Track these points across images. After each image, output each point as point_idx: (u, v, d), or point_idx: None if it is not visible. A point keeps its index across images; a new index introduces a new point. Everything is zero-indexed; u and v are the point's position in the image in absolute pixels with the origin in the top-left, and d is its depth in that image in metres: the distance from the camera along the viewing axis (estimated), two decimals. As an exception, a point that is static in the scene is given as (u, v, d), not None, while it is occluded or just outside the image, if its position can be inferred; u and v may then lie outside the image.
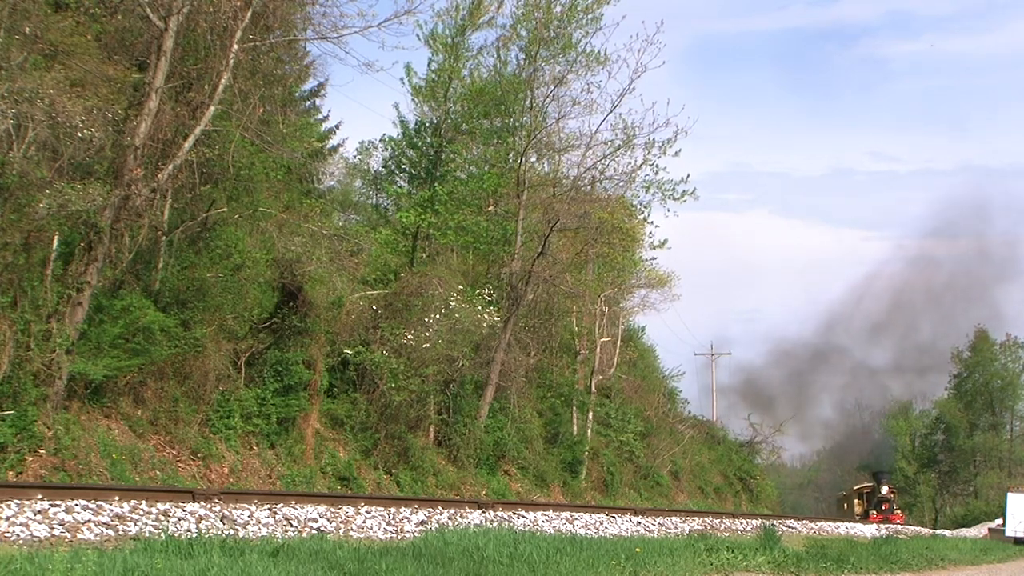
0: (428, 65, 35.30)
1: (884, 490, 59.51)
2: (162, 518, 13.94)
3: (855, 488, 63.62)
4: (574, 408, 37.89)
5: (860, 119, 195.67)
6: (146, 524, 13.52)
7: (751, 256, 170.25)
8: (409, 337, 26.41)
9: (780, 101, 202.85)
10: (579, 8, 32.96)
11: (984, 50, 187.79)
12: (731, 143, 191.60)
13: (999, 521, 51.23)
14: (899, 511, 60.39)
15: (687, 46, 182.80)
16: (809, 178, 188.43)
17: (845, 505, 63.71)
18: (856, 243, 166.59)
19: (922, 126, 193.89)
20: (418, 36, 33.62)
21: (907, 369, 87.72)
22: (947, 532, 51.56)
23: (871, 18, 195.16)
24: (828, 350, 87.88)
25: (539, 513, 22.51)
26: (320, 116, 38.03)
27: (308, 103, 36.65)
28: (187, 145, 19.52)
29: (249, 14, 20.06)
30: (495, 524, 18.79)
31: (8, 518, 12.39)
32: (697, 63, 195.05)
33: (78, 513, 13.23)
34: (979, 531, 53.29)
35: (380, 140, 40.07)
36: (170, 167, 19.46)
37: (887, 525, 47.58)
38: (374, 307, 27.38)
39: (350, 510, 17.68)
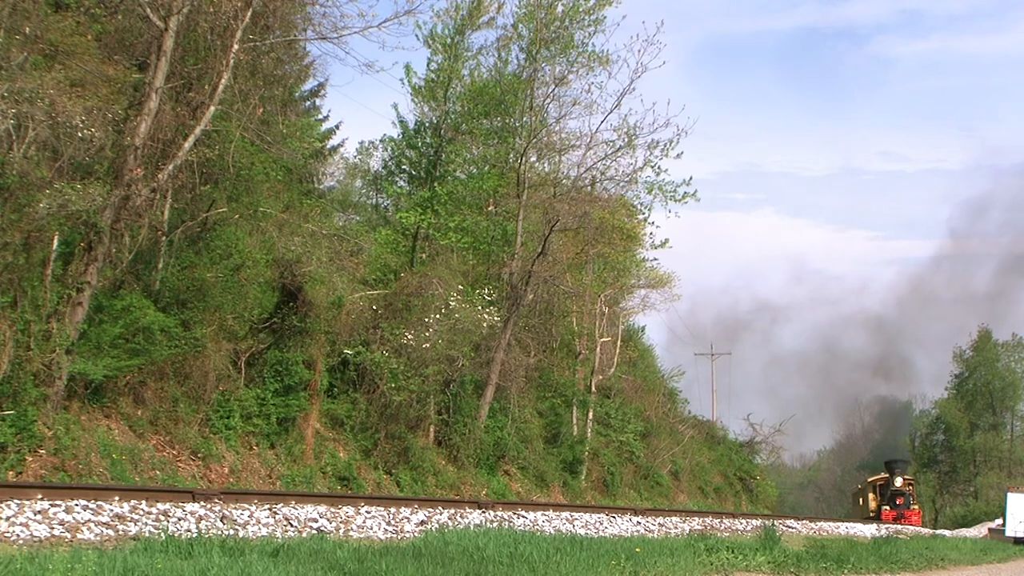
0: (428, 65, 35.33)
1: (898, 482, 53.39)
2: (162, 518, 13.93)
3: (869, 481, 57.85)
4: (574, 408, 37.88)
5: (870, 119, 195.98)
6: (146, 524, 13.51)
7: (757, 256, 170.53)
8: (409, 337, 26.40)
9: (790, 100, 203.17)
10: (582, 9, 32.98)
11: (995, 49, 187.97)
12: (740, 143, 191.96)
13: (999, 521, 51.12)
14: (916, 507, 53.94)
15: (698, 46, 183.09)
16: (818, 178, 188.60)
17: (860, 500, 58.07)
18: (863, 243, 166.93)
19: (931, 126, 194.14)
20: (417, 36, 33.64)
21: None
22: (947, 532, 51.44)
23: (882, 17, 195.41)
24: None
25: (539, 513, 22.49)
26: (320, 116, 38.10)
27: (308, 103, 36.68)
28: (187, 145, 19.53)
29: (249, 14, 20.07)
30: (495, 524, 18.77)
31: (8, 518, 12.39)
32: (708, 63, 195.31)
33: (78, 513, 13.22)
34: (979, 531, 53.15)
35: (380, 140, 40.22)
36: (170, 167, 19.46)
37: (894, 526, 43.78)
38: (374, 307, 27.38)
39: (350, 510, 17.67)
